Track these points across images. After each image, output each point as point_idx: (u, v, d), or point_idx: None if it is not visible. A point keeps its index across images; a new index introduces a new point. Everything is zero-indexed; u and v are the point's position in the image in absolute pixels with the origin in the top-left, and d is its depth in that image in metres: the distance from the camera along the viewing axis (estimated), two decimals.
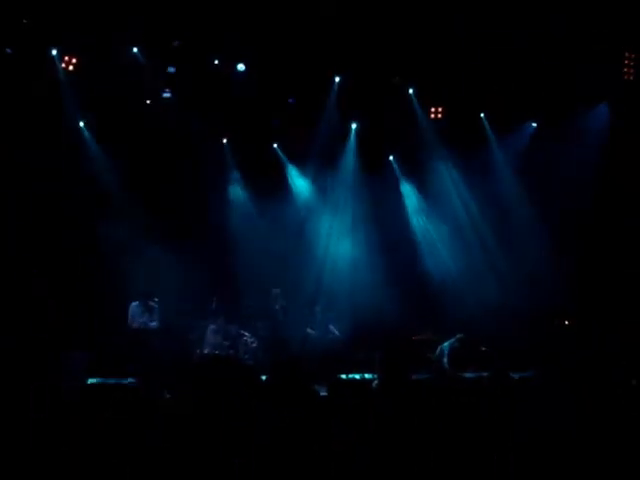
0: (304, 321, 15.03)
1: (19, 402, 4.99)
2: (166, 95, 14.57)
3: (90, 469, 4.32)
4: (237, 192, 16.79)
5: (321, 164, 16.36)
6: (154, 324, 13.58)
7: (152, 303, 13.63)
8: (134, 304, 13.62)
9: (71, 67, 13.79)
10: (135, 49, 13.85)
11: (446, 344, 13.94)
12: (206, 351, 14.12)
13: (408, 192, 17.11)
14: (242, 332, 14.43)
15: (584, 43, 13.30)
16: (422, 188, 16.95)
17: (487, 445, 4.84)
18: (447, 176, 16.41)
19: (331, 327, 14.98)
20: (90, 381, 11.77)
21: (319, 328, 14.89)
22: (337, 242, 16.65)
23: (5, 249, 13.97)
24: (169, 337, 13.59)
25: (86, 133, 15.01)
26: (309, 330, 14.86)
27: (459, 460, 4.74)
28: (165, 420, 5.07)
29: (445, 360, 13.87)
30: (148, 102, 15.01)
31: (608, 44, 13.42)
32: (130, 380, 11.62)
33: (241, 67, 14.26)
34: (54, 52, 13.55)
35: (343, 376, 12.75)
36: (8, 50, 13.08)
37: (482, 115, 16.03)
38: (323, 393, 6.10)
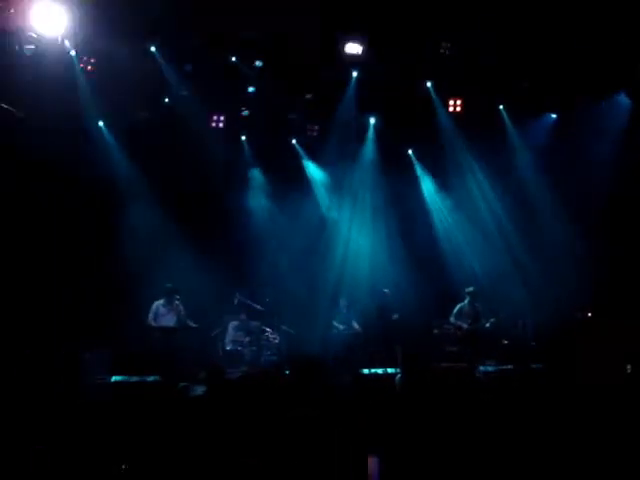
0: (329, 315, 15.08)
1: (44, 400, 5.04)
2: (184, 93, 14.64)
3: (112, 465, 4.36)
4: (257, 188, 16.82)
5: (340, 159, 16.33)
6: (178, 322, 13.59)
7: (176, 301, 13.64)
8: (158, 303, 13.63)
9: (90, 67, 13.85)
10: (152, 48, 13.89)
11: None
12: (228, 348, 14.20)
13: (427, 185, 17.06)
14: (264, 328, 14.48)
15: (602, 33, 13.15)
16: (441, 181, 16.89)
17: (510, 437, 4.83)
18: (467, 168, 16.32)
19: (353, 322, 14.99)
20: (114, 379, 11.86)
21: (343, 323, 14.90)
22: (357, 236, 16.65)
23: (28, 247, 14.08)
24: (192, 334, 13.63)
25: (105, 132, 15.08)
26: (335, 324, 14.88)
27: (482, 452, 4.73)
28: (188, 417, 5.09)
29: (451, 318, 14.57)
30: (167, 100, 15.08)
31: (628, 34, 13.27)
32: (153, 378, 11.69)
33: (258, 63, 14.28)
34: (73, 53, 13.61)
35: (366, 371, 12.80)
36: (27, 52, 13.14)
37: (501, 107, 15.94)
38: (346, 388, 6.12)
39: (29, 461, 4.23)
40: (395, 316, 14.66)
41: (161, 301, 13.60)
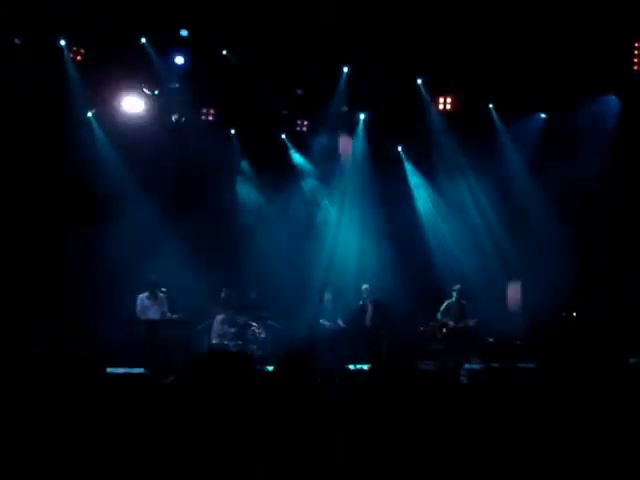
0: (315, 311, 15.11)
1: (35, 394, 5.00)
2: (174, 86, 14.57)
3: (102, 461, 4.34)
4: (245, 182, 16.80)
5: (330, 155, 16.32)
6: (162, 315, 13.56)
7: (160, 294, 13.61)
8: (142, 295, 13.59)
9: (79, 57, 13.78)
10: (143, 39, 13.83)
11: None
12: (214, 341, 14.16)
13: (417, 183, 17.07)
14: (250, 322, 14.45)
15: (593, 33, 13.20)
16: (430, 178, 16.92)
17: (497, 436, 4.84)
18: (456, 166, 16.33)
19: (339, 320, 15.04)
20: None
21: (329, 319, 14.94)
22: (345, 232, 16.65)
23: (13, 240, 13.99)
24: (177, 327, 13.60)
25: (94, 124, 14.98)
26: (322, 321, 14.92)
27: (463, 453, 4.73)
28: (174, 411, 5.08)
29: (438, 315, 14.73)
30: (156, 92, 15.01)
31: (617, 34, 13.33)
32: (140, 370, 11.65)
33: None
34: (62, 42, 13.53)
35: (352, 367, 12.80)
36: (17, 40, 13.06)
37: (491, 106, 15.94)
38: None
39: (29, 461, 4.20)
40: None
41: (145, 294, 13.57)
